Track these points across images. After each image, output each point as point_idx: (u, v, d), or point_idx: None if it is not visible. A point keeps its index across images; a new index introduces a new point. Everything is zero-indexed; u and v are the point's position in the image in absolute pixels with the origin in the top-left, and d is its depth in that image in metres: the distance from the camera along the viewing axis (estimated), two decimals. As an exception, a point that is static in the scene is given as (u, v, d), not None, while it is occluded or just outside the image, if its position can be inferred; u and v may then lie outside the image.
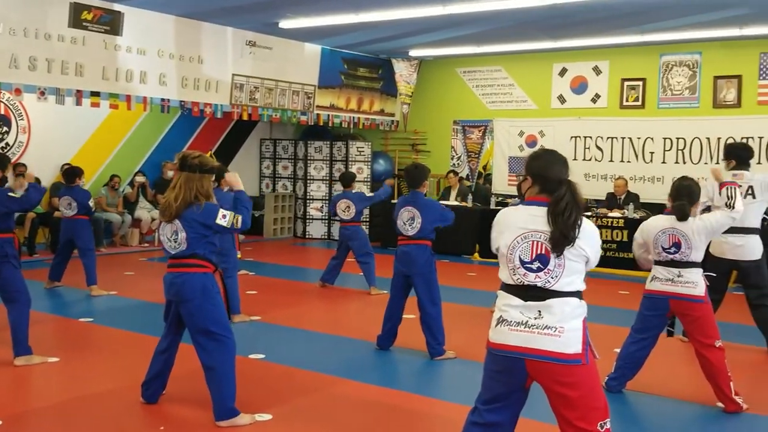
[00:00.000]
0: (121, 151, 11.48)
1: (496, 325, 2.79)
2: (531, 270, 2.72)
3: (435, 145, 13.10)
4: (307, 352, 5.61)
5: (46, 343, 5.56)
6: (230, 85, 10.20)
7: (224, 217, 3.91)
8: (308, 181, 13.09)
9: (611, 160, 11.16)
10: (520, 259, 2.74)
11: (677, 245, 4.40)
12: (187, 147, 12.43)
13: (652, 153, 10.76)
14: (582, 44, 10.82)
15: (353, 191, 8.21)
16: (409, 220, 5.43)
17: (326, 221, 12.97)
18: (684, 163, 10.40)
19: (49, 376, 4.96)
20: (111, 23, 8.67)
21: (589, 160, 11.36)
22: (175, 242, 3.95)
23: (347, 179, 8.31)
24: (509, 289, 2.79)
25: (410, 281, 5.45)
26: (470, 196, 11.55)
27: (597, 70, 11.38)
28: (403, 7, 8.43)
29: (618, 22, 9.20)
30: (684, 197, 4.40)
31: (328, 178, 12.95)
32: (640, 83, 10.96)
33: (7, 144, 10.11)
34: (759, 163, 9.59)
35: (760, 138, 9.68)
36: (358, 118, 12.62)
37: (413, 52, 12.13)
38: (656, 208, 9.58)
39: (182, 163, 3.94)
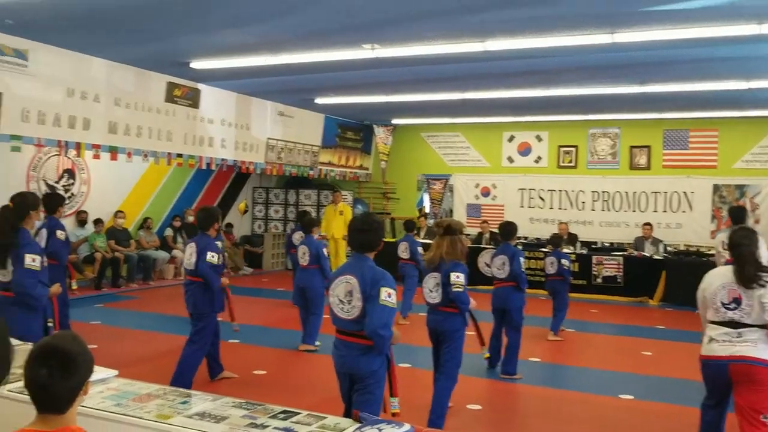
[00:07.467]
0: (155, 199, 13.36)
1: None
2: None
3: (403, 194, 15.89)
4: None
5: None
6: (265, 146, 12.50)
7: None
8: (300, 223, 15.42)
9: (551, 208, 14.41)
10: None
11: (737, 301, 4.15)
12: (201, 196, 14.49)
13: (583, 202, 14.10)
14: (527, 120, 14.07)
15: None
16: None
17: (315, 258, 15.29)
18: (608, 210, 13.80)
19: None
20: (193, 98, 10.80)
21: (533, 207, 14.57)
22: None
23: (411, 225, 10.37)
24: None
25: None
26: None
27: (539, 138, 14.69)
28: (425, 93, 11.20)
29: (556, 109, 12.50)
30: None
31: (317, 220, 15.31)
32: (574, 149, 14.36)
33: (72, 194, 11.79)
34: (665, 211, 13.24)
35: (665, 192, 13.25)
36: (346, 171, 15.21)
37: (394, 121, 14.97)
38: (587, 246, 12.96)
39: None
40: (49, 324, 4.76)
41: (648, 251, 12.47)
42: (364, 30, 7.22)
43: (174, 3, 6.47)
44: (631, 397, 6.32)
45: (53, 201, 7.03)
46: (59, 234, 6.80)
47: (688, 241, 13.07)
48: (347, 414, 3.67)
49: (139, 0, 6.37)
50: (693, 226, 13.06)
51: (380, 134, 15.45)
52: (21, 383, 2.18)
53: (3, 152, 8.85)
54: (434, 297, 5.27)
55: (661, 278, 11.92)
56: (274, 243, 15.32)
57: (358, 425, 2.69)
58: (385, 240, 4.19)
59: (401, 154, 15.79)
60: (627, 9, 6.27)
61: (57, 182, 11.54)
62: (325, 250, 8.14)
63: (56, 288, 4.97)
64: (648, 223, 12.82)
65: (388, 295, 3.66)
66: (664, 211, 13.24)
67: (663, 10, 6.23)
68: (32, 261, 4.58)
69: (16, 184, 10.09)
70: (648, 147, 13.64)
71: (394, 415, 3.85)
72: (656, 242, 12.65)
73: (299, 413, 2.81)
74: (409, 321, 9.37)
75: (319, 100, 12.18)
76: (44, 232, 6.74)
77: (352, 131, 15.24)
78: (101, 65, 9.24)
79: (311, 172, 14.09)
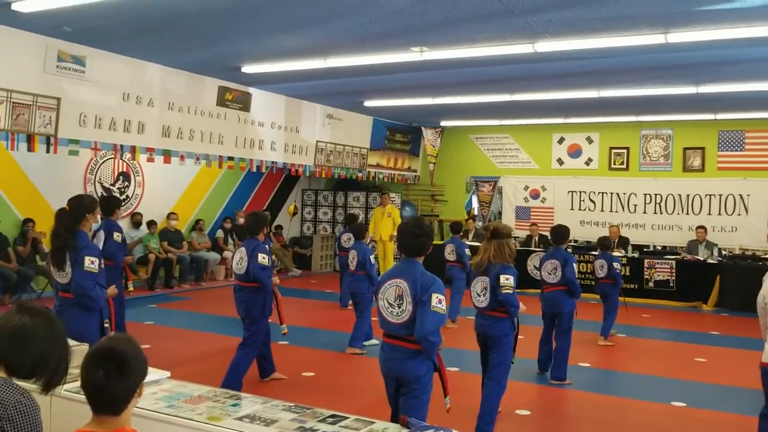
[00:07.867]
0: (207, 201, 13.62)
1: None
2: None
3: (452, 196, 15.84)
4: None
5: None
6: (315, 149, 12.61)
7: None
8: (348, 225, 15.53)
9: (602, 210, 14.18)
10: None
11: None
12: (251, 198, 14.71)
13: (635, 205, 13.83)
14: (577, 121, 13.85)
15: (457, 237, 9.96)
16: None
17: (363, 260, 15.37)
18: (661, 213, 13.51)
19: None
20: (244, 102, 10.96)
21: (584, 210, 14.35)
22: None
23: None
24: None
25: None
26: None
27: (589, 140, 14.46)
28: (474, 95, 11.15)
29: (607, 110, 12.29)
30: None
31: (365, 222, 15.38)
32: (625, 151, 14.10)
33: (127, 196, 12.10)
34: (719, 214, 12.89)
35: (720, 195, 12.91)
36: (394, 174, 15.25)
37: (442, 123, 14.94)
38: (638, 249, 12.68)
39: None
40: (105, 325, 4.88)
41: (702, 255, 12.16)
42: (413, 33, 7.23)
43: (226, 9, 6.59)
44: (684, 404, 6.18)
45: (110, 203, 7.21)
46: (116, 236, 6.97)
47: (744, 244, 12.70)
48: (394, 418, 3.69)
49: (192, 7, 6.51)
50: (749, 230, 12.69)
51: (428, 136, 15.45)
52: (78, 383, 2.25)
53: (61, 156, 9.13)
54: (482, 301, 5.24)
55: (716, 283, 11.61)
56: (322, 245, 15.46)
57: (405, 431, 2.70)
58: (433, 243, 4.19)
59: (449, 156, 15.74)
60: (681, 9, 6.13)
61: (113, 185, 11.86)
62: (372, 257, 8.15)
63: (113, 290, 5.09)
64: (702, 226, 12.51)
65: (439, 302, 3.67)
66: (719, 214, 12.91)
67: (718, 9, 6.08)
68: (91, 263, 4.70)
69: (73, 187, 10.40)
70: (702, 148, 13.28)
71: (448, 410, 3.92)
72: (710, 246, 12.32)
73: (347, 417, 2.83)
74: (458, 324, 9.34)
75: (368, 103, 12.24)
76: (101, 233, 6.92)
77: (400, 133, 15.27)
78: (155, 70, 9.46)
79: (360, 175, 14.17)
